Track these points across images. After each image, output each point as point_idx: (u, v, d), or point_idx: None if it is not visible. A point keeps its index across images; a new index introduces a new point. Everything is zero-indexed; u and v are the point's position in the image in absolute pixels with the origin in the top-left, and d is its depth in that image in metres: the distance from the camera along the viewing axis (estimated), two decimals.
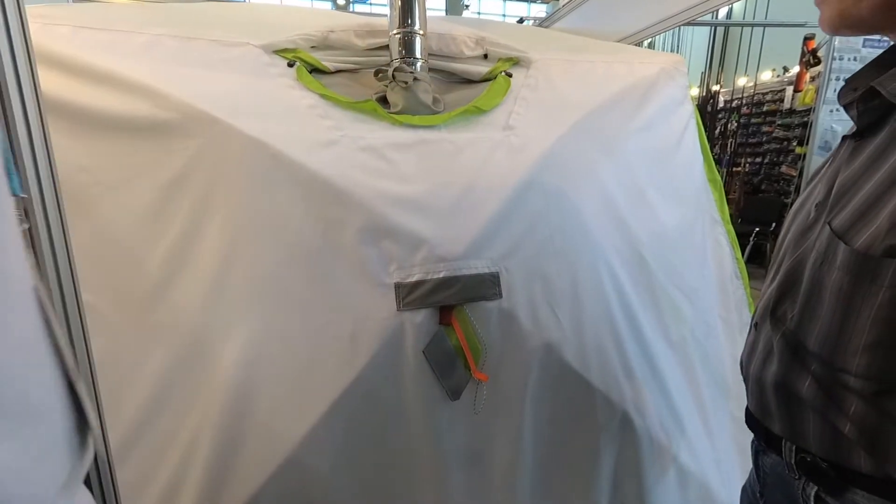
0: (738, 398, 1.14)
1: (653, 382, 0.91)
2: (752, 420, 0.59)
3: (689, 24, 3.75)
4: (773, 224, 4.44)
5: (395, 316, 0.73)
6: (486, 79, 1.01)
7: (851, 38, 3.61)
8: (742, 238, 4.41)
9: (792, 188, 4.29)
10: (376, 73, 0.87)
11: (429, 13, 0.97)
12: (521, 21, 5.74)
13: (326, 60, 0.94)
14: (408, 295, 0.73)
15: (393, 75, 0.85)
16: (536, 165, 0.82)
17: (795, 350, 0.49)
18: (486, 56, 1.04)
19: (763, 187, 5.21)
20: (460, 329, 0.75)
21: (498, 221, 0.78)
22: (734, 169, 5.21)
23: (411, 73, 0.86)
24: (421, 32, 0.89)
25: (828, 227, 0.45)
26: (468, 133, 0.84)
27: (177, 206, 0.75)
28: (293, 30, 0.93)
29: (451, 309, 0.75)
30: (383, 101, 0.89)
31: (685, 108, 1.19)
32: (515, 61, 1.03)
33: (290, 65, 0.89)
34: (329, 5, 10.26)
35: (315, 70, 0.93)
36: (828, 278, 0.45)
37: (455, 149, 0.82)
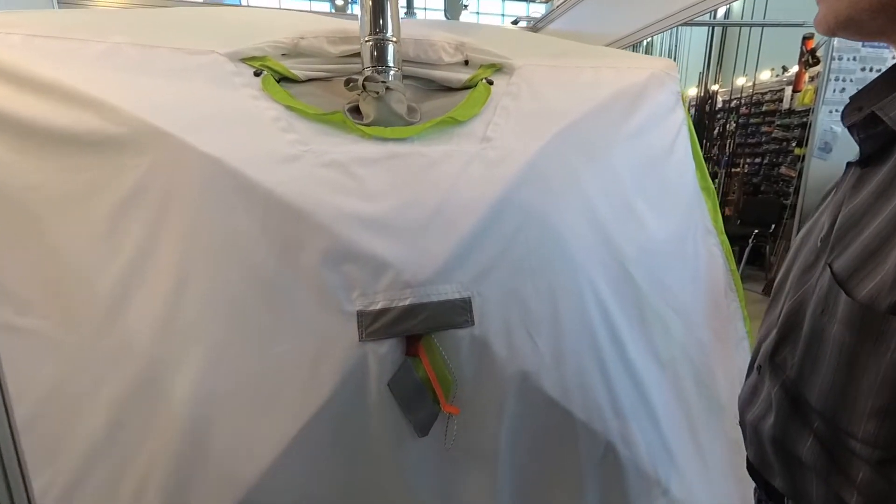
0: (734, 418, 1.09)
1: (640, 408, 0.86)
2: (751, 470, 0.54)
3: (686, 24, 3.70)
4: (773, 226, 4.38)
5: (357, 346, 0.68)
6: (467, 86, 0.96)
7: None
8: (741, 240, 4.38)
9: (791, 189, 4.23)
10: (347, 83, 0.82)
11: (416, 15, 0.92)
12: (515, 22, 5.68)
13: (297, 69, 0.90)
14: (371, 324, 0.68)
15: (363, 85, 0.80)
16: (514, 180, 0.77)
17: (796, 403, 0.44)
18: (466, 62, 0.99)
19: (762, 188, 5.16)
20: (428, 360, 0.70)
21: (470, 242, 0.73)
22: (733, 170, 5.16)
23: (383, 82, 0.81)
24: (393, 39, 0.85)
25: (828, 269, 0.40)
26: (442, 146, 0.79)
27: (129, 226, 0.70)
28: (263, 36, 0.88)
29: (419, 338, 0.71)
30: (357, 111, 0.85)
31: (677, 114, 1.14)
32: (497, 68, 0.98)
33: (257, 74, 0.84)
34: (328, 6, 10.20)
35: (284, 79, 0.88)
36: (829, 329, 0.40)
37: (427, 163, 0.77)
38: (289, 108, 0.79)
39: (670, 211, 1.03)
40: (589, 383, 0.80)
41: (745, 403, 0.53)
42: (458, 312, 0.71)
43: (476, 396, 0.75)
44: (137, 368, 0.70)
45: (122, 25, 0.86)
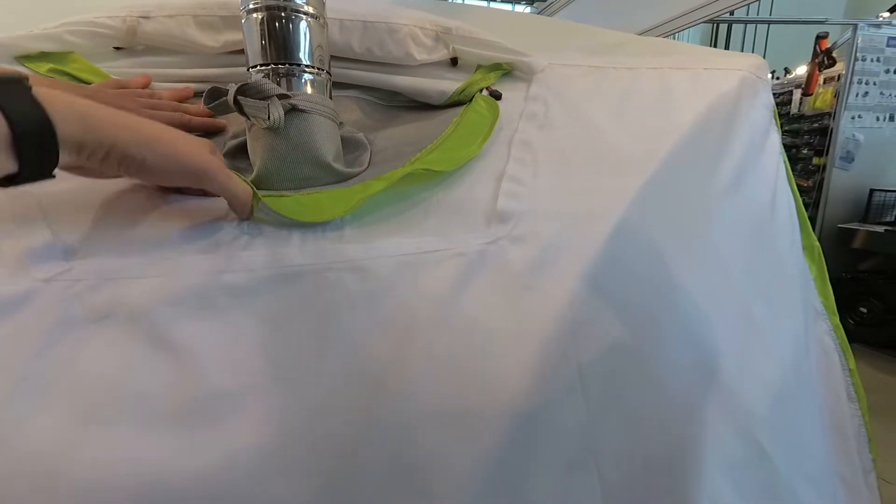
0: None
1: None
2: None
3: (692, 22, 3.34)
4: None
5: None
6: (456, 103, 0.55)
7: (875, 38, 3.25)
8: None
9: (811, 201, 3.85)
10: (210, 96, 0.40)
11: None
12: None
13: (136, 75, 0.48)
14: None
15: (236, 101, 0.38)
16: (565, 331, 0.35)
17: None
18: (454, 61, 0.58)
19: None
20: None
21: None
22: None
23: (283, 96, 0.39)
24: (311, 12, 0.43)
25: None
26: (404, 237, 0.37)
27: None
28: (69, 14, 0.47)
29: None
30: (242, 156, 0.43)
31: (773, 139, 0.73)
32: (506, 70, 0.57)
33: None
34: None
35: None
36: None
37: (365, 297, 0.34)
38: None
39: (789, 309, 0.63)
40: None
41: None
42: None
43: None
44: None
45: None
